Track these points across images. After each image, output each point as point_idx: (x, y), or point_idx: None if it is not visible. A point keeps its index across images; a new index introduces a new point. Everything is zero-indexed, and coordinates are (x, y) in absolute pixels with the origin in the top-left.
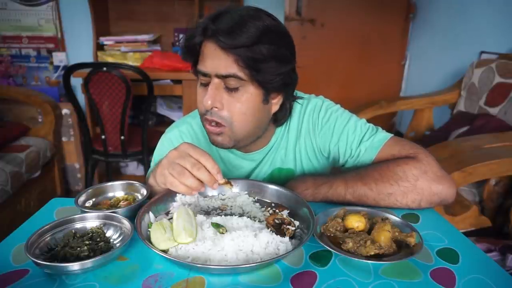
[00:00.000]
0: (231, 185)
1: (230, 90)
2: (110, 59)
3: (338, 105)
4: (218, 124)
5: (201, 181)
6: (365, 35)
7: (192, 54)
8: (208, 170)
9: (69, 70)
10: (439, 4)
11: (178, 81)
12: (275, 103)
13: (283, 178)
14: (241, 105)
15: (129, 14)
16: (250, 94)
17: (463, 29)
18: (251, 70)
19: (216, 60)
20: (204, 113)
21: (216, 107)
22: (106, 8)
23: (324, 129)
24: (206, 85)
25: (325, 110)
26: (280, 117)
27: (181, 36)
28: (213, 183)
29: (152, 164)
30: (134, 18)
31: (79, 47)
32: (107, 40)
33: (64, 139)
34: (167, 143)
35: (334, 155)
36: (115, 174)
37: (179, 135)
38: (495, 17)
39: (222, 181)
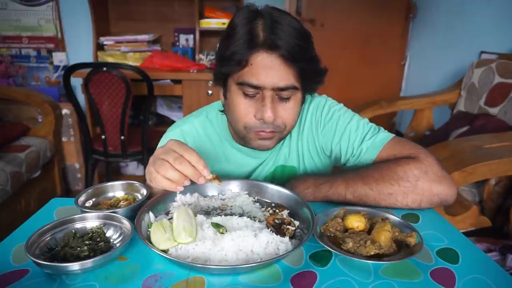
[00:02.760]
0: (220, 181)
1: (283, 99)
2: (110, 59)
3: (341, 104)
4: (271, 132)
5: (184, 175)
6: (365, 35)
7: (236, 65)
8: (193, 166)
9: (69, 70)
10: (439, 4)
11: (178, 81)
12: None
13: (285, 176)
14: (292, 112)
15: (129, 14)
16: (298, 100)
17: (463, 29)
18: (307, 80)
19: (274, 72)
20: (254, 126)
21: (274, 119)
22: (106, 8)
23: (326, 128)
24: (252, 96)
25: (328, 109)
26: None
27: (181, 36)
28: (198, 177)
29: None
30: (134, 18)
31: (79, 47)
32: (107, 40)
33: (64, 139)
34: None
35: (336, 154)
36: (115, 174)
37: (181, 134)
38: (495, 17)
39: (209, 176)
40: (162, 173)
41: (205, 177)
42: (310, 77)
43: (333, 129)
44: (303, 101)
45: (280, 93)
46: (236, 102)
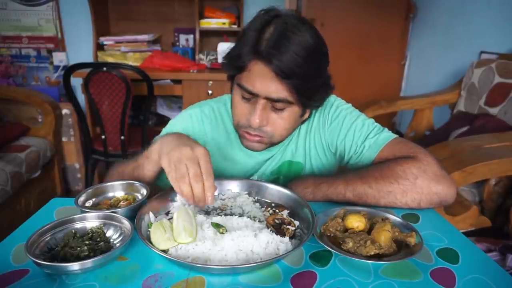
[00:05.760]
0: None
1: (276, 109)
2: (110, 59)
3: (349, 104)
4: (258, 136)
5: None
6: (365, 35)
7: (237, 68)
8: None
9: (69, 70)
10: (439, 4)
11: (178, 81)
12: (307, 113)
13: (291, 171)
14: (284, 122)
15: (129, 14)
16: (293, 112)
17: (463, 29)
18: (303, 97)
19: (268, 83)
20: (245, 126)
21: (261, 126)
22: (106, 8)
23: (333, 125)
24: (249, 100)
25: (336, 107)
26: (304, 121)
27: (181, 36)
28: (202, 202)
29: (163, 131)
30: (134, 18)
31: (79, 47)
32: (107, 40)
33: (64, 139)
34: (186, 118)
35: (340, 152)
36: None
37: (200, 114)
38: (495, 17)
39: (210, 203)
40: (180, 183)
41: (206, 203)
42: (305, 94)
43: (339, 126)
44: (303, 114)
45: (274, 104)
46: (235, 101)
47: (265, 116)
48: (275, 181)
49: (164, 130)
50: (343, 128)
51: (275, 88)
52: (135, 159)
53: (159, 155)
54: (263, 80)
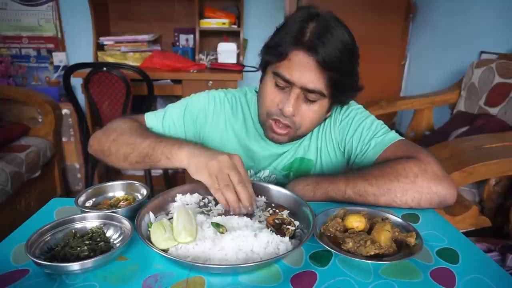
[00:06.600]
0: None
1: (308, 101)
2: (110, 59)
3: (361, 105)
4: (285, 126)
5: (239, 200)
6: (365, 35)
7: (277, 56)
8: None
9: (69, 70)
10: (439, 4)
11: (178, 81)
12: (329, 112)
13: (302, 168)
14: (313, 115)
15: (129, 14)
16: (322, 107)
17: (463, 29)
18: (336, 91)
19: (307, 73)
20: (274, 114)
21: (293, 115)
22: (106, 8)
23: (342, 123)
24: (282, 89)
25: (347, 107)
26: (325, 120)
27: (181, 36)
28: (249, 206)
29: (182, 102)
30: (134, 18)
31: (79, 47)
32: (107, 40)
33: (64, 139)
34: (210, 98)
35: (348, 150)
36: (115, 174)
37: (224, 99)
38: (495, 17)
39: (251, 211)
40: (223, 191)
41: (249, 208)
42: (340, 89)
43: (349, 125)
44: (329, 110)
45: (307, 94)
46: (267, 89)
47: (297, 106)
48: (285, 177)
49: (184, 101)
50: (352, 127)
51: (313, 79)
52: (152, 143)
53: (191, 169)
54: (302, 69)
